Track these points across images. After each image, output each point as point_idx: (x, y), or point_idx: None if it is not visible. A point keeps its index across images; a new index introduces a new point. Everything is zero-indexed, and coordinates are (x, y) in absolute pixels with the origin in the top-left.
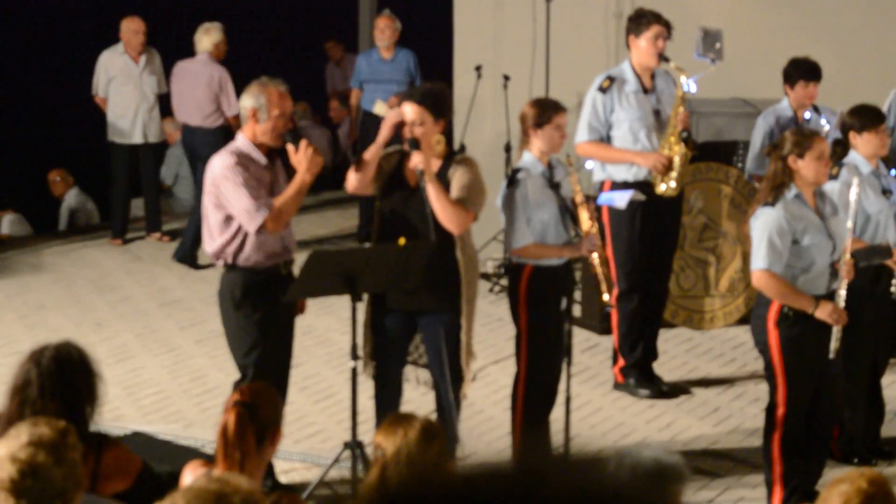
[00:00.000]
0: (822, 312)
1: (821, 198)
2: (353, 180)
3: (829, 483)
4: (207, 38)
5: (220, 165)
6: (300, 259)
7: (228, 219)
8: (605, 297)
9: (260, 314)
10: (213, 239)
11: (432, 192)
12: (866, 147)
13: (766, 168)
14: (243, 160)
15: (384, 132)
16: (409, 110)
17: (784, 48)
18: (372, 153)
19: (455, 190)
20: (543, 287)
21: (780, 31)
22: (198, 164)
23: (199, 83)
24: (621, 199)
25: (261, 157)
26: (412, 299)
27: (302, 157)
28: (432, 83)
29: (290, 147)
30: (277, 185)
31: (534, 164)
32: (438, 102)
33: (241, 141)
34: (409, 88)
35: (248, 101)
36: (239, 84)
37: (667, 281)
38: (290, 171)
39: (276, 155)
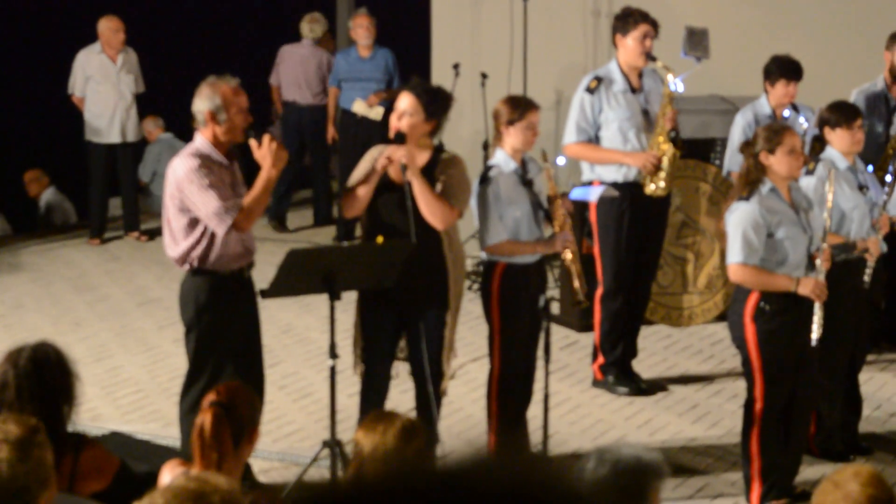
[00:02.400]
0: (805, 288)
1: (796, 192)
2: (350, 209)
3: (828, 483)
4: (318, 26)
5: (182, 169)
6: (278, 258)
7: (193, 222)
8: (576, 284)
9: (223, 319)
10: (176, 244)
11: (416, 187)
12: (840, 143)
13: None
14: (206, 162)
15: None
16: (405, 100)
17: (762, 45)
18: (363, 187)
19: (440, 186)
20: (515, 285)
21: (758, 29)
22: (297, 140)
23: (308, 65)
24: (593, 193)
25: (221, 158)
26: (402, 297)
27: (266, 153)
28: (439, 87)
29: (252, 143)
30: (237, 185)
31: (506, 161)
32: (435, 102)
33: (201, 142)
34: (412, 80)
35: (203, 105)
36: None
37: (651, 281)
38: (253, 167)
39: (233, 155)
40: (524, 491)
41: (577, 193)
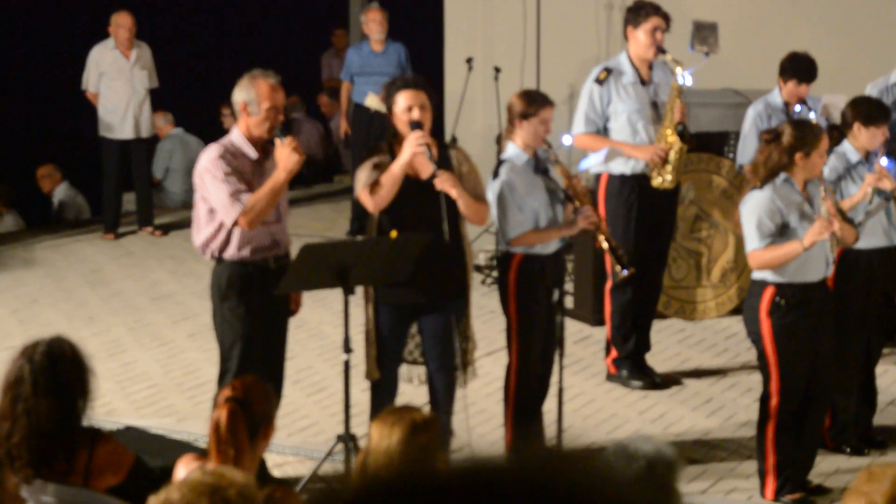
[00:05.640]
0: (810, 237)
1: (812, 185)
2: (376, 203)
3: (865, 473)
4: None
5: (206, 158)
6: (291, 252)
7: (213, 211)
8: (619, 269)
9: (245, 307)
10: (199, 231)
11: (461, 201)
12: (870, 140)
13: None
14: (230, 153)
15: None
16: (419, 95)
17: (776, 39)
18: (394, 180)
19: (470, 186)
20: (532, 277)
21: (771, 22)
22: None
23: None
24: (598, 157)
25: (251, 152)
26: (424, 293)
27: (279, 154)
28: (415, 74)
29: (277, 141)
30: (264, 180)
31: (518, 154)
32: (430, 90)
33: (234, 134)
34: (407, 77)
35: (239, 96)
36: (230, 79)
37: (661, 273)
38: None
39: (271, 149)
40: (554, 488)
41: (585, 164)
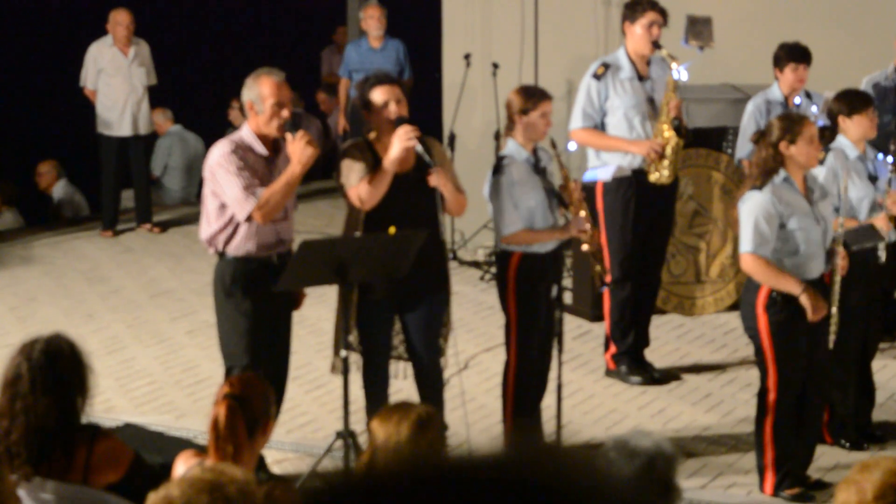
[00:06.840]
0: (805, 300)
1: (811, 181)
2: (369, 201)
3: (859, 465)
4: None
5: (217, 153)
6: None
7: (223, 206)
8: (597, 269)
9: (249, 303)
10: (209, 225)
11: (447, 194)
12: (857, 130)
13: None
14: (241, 149)
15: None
16: (397, 90)
17: (773, 34)
18: (388, 168)
19: (450, 177)
20: (532, 274)
21: (769, 17)
22: None
23: None
24: (605, 172)
25: (261, 149)
26: (405, 286)
27: (293, 148)
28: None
29: (288, 136)
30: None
31: (518, 150)
32: (403, 84)
33: (245, 131)
34: (378, 73)
35: (245, 95)
36: (229, 75)
37: (660, 269)
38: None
39: (282, 146)
40: (554, 486)
41: (589, 175)
